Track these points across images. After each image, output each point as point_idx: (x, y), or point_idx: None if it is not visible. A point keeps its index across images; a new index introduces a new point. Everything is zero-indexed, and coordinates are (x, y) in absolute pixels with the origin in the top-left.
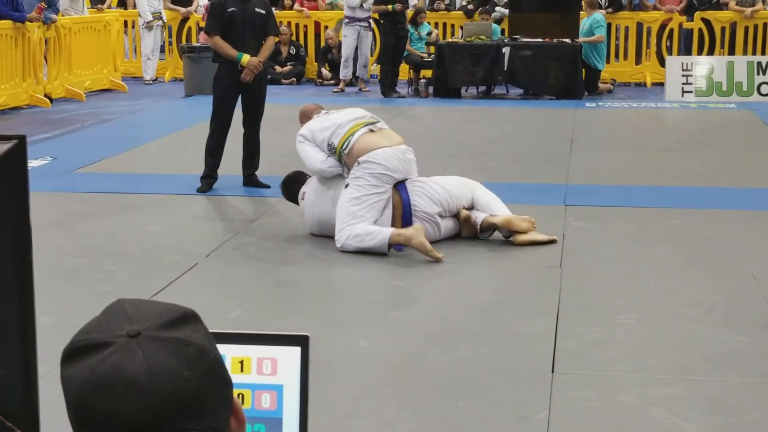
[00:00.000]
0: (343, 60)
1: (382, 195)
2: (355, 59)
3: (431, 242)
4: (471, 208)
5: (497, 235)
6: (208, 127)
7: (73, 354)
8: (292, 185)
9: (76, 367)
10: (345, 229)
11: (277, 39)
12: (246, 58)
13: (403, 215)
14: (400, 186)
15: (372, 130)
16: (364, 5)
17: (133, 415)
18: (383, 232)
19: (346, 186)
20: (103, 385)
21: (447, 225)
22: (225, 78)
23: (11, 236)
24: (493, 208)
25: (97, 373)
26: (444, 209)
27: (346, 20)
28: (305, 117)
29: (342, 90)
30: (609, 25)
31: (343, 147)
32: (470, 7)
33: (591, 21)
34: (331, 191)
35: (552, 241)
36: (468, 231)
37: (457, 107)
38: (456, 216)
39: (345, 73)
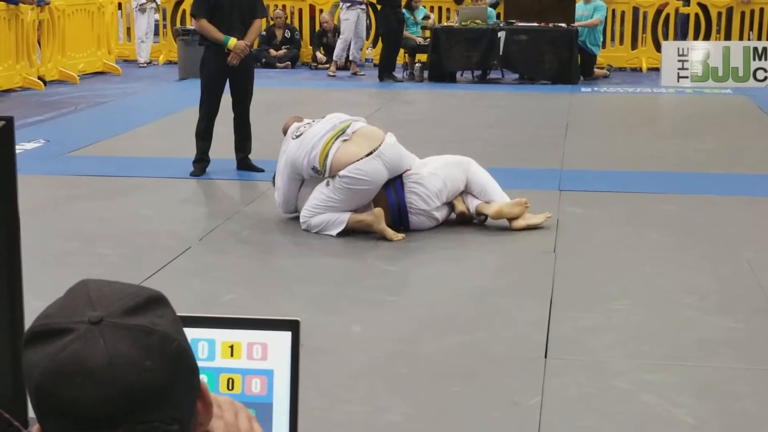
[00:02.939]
0: (343, 43)
1: (358, 204)
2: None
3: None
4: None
5: (491, 219)
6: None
7: (33, 338)
8: None
9: (36, 353)
10: (308, 217)
11: (271, 22)
12: (232, 41)
13: (392, 214)
14: (395, 184)
15: (345, 140)
16: None
17: (93, 406)
18: (340, 218)
19: (327, 184)
20: (63, 375)
21: (443, 214)
22: (212, 61)
23: None
24: (488, 192)
25: (57, 362)
26: (441, 201)
27: (348, 4)
28: (285, 131)
29: (334, 74)
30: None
31: (324, 169)
32: None
33: (594, 6)
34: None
35: (546, 219)
36: (463, 219)
37: (452, 92)
38: (451, 205)
39: (342, 55)
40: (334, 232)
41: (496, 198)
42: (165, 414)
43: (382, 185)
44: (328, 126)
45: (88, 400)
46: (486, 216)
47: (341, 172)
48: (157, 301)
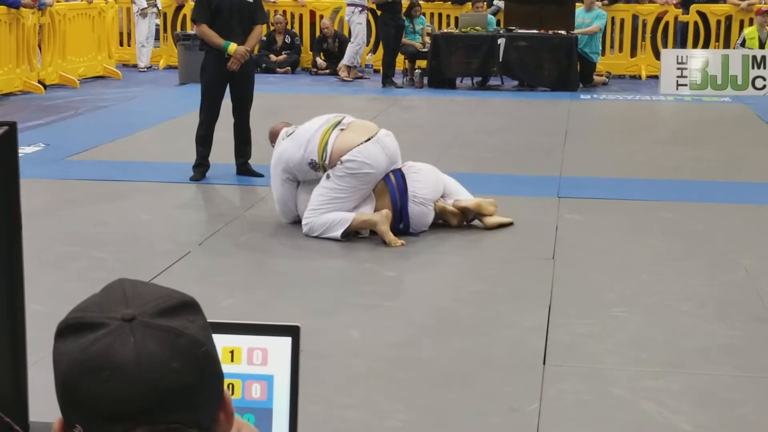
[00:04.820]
0: (357, 47)
1: (361, 195)
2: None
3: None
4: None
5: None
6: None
7: (66, 331)
8: None
9: (67, 345)
10: (312, 218)
11: (271, 27)
12: (233, 46)
13: (393, 204)
14: (393, 175)
15: (342, 129)
16: None
17: (116, 401)
18: (344, 218)
19: (327, 177)
20: (90, 368)
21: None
22: (212, 67)
23: (1, 223)
24: (461, 192)
25: (85, 355)
26: (435, 197)
27: (360, 9)
28: (273, 136)
29: (351, 78)
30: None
31: (323, 158)
32: None
33: (595, 14)
34: (311, 186)
35: (511, 223)
36: (455, 220)
37: (452, 98)
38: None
39: (357, 59)
40: (339, 233)
41: (468, 197)
42: (186, 416)
43: (382, 174)
44: (321, 121)
45: (112, 394)
46: (465, 211)
47: (343, 158)
48: (189, 306)
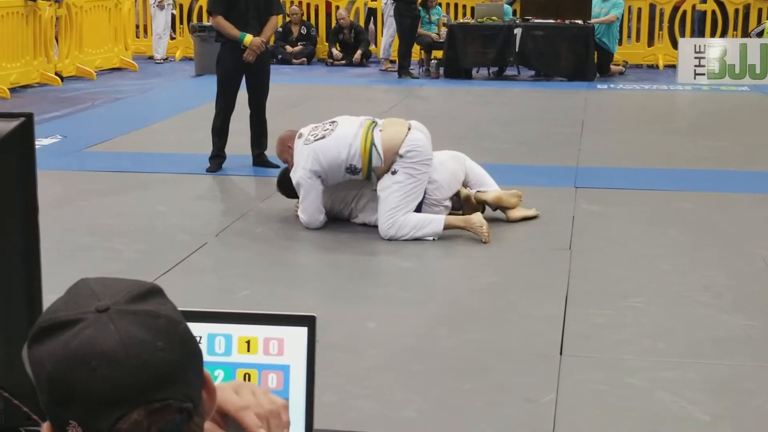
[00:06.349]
0: (392, 39)
1: (425, 182)
2: (365, 40)
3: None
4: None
5: (496, 213)
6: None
7: (41, 334)
8: (289, 184)
9: (45, 346)
10: (396, 219)
11: (287, 18)
12: (248, 38)
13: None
14: None
15: (380, 130)
16: None
17: (110, 388)
18: (435, 221)
19: (394, 173)
20: (77, 360)
21: (449, 207)
22: (228, 58)
23: (18, 214)
24: (485, 182)
25: (69, 349)
26: (451, 193)
27: (392, 1)
28: (289, 141)
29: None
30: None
31: (371, 162)
32: None
33: (612, 3)
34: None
35: (536, 216)
36: (470, 209)
37: (468, 88)
38: (457, 194)
39: (390, 51)
40: (430, 236)
41: (492, 188)
42: (178, 392)
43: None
44: (354, 127)
45: (104, 382)
46: (484, 204)
47: (401, 150)
48: (157, 292)
